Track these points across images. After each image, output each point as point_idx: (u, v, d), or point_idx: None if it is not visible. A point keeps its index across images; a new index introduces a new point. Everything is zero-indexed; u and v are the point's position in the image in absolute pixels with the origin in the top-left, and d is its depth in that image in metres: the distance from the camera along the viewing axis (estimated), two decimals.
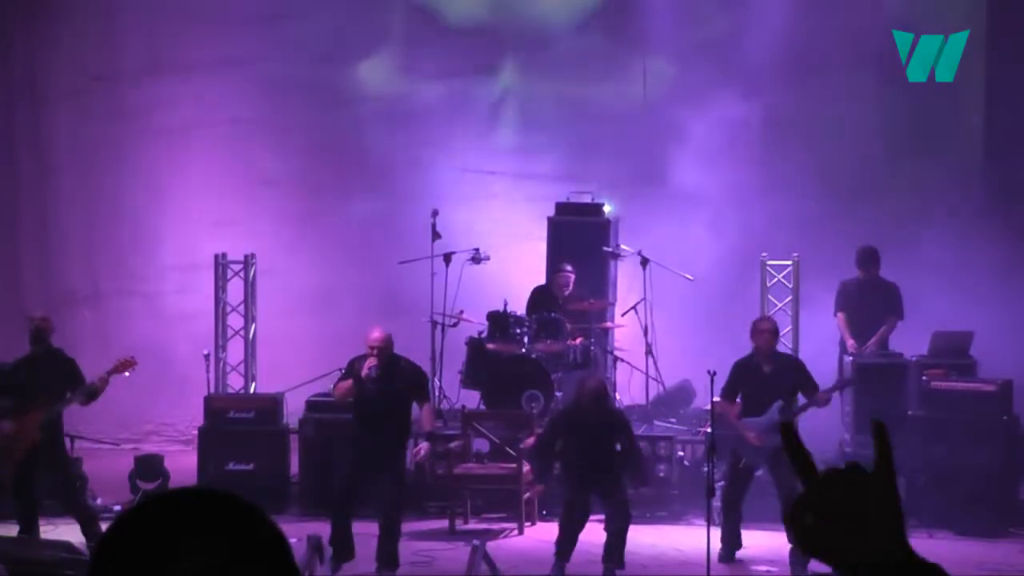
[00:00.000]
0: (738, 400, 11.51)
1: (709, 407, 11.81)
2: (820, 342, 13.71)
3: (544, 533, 12.06)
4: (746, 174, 15.46)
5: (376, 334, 10.64)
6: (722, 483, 11.37)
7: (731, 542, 11.33)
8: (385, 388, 10.51)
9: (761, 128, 15.52)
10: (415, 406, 10.87)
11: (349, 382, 10.66)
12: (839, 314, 13.79)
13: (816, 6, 15.70)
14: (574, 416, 10.98)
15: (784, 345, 12.73)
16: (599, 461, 10.82)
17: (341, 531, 10.44)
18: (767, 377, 11.34)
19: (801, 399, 11.40)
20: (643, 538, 12.03)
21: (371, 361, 10.51)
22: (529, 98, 16.43)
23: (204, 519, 1.71)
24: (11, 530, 10.99)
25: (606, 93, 16.14)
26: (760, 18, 15.63)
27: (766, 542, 11.72)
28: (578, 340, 13.69)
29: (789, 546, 11.26)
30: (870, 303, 13.75)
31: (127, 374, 11.11)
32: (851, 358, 13.44)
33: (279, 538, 1.75)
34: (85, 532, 10.85)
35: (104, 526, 10.76)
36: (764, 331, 11.42)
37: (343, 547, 10.43)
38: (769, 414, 11.23)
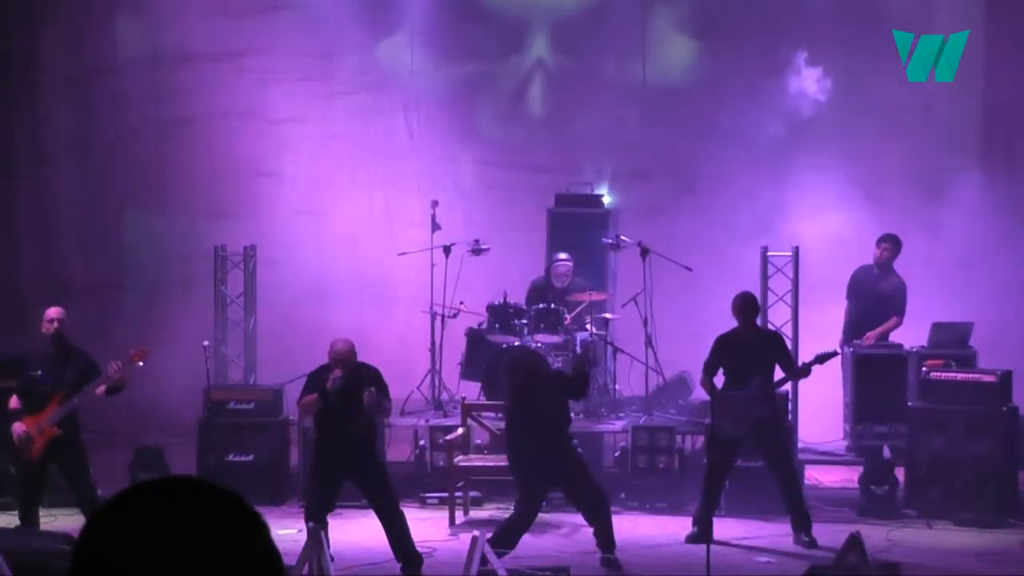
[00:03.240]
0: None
1: (709, 398, 11.87)
2: (821, 333, 13.71)
3: (544, 524, 12.08)
4: (747, 163, 15.44)
5: (341, 346, 10.48)
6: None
7: (704, 522, 11.32)
8: (350, 397, 10.36)
9: (765, 117, 15.50)
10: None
11: (315, 396, 10.48)
12: (849, 303, 13.96)
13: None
14: (518, 402, 10.75)
15: (785, 336, 12.74)
16: (552, 442, 10.61)
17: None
18: (747, 351, 11.56)
19: (780, 373, 11.69)
20: (643, 528, 12.06)
21: (336, 373, 10.38)
22: (531, 89, 16.44)
23: (182, 509, 1.71)
24: (11, 520, 10.99)
25: (606, 80, 16.17)
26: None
27: (765, 532, 11.74)
28: (579, 325, 13.72)
29: (791, 519, 11.37)
30: (876, 295, 13.78)
31: (141, 364, 11.09)
32: (851, 350, 13.45)
33: (259, 523, 1.75)
34: None
35: None
36: (741, 308, 11.65)
37: None
38: (750, 387, 11.45)
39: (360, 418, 10.38)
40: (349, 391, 10.32)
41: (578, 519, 11.28)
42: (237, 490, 1.79)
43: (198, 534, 1.68)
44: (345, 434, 10.40)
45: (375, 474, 10.47)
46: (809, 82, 15.47)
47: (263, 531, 1.75)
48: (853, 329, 13.85)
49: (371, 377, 10.48)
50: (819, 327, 13.72)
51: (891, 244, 13.91)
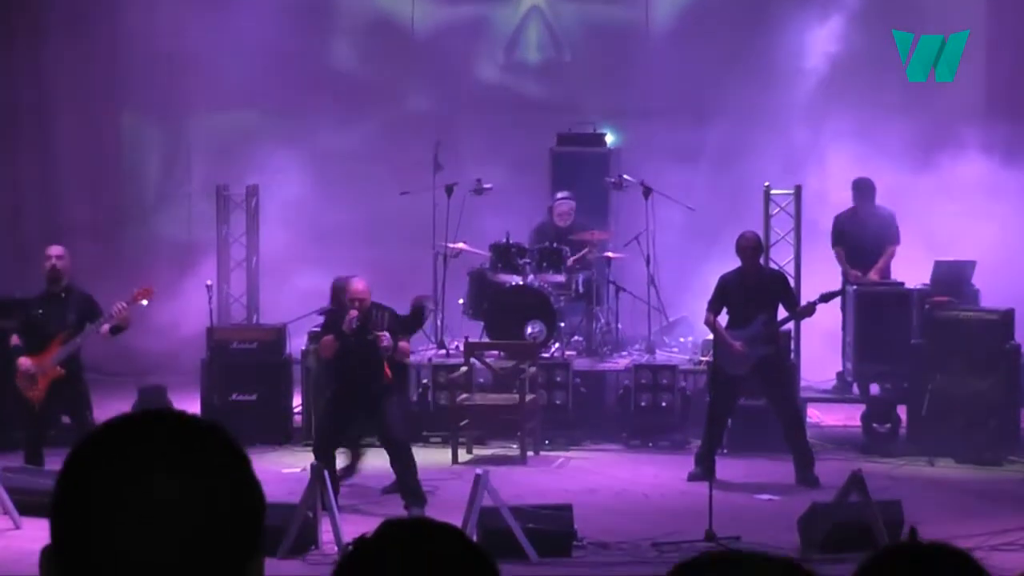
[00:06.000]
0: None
1: (711, 337, 11.89)
2: (824, 272, 13.71)
3: (546, 463, 12.12)
4: (749, 102, 15.37)
5: (359, 286, 10.50)
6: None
7: (707, 461, 11.35)
8: (368, 338, 10.37)
9: (767, 55, 15.42)
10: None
11: (331, 337, 10.53)
12: (836, 248, 13.78)
13: None
14: None
15: (788, 274, 12.74)
16: None
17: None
18: (750, 290, 11.60)
19: (784, 312, 11.71)
20: (645, 467, 12.10)
21: (352, 314, 10.38)
22: (531, 25, 16.38)
23: (160, 443, 1.70)
24: (16, 460, 11.03)
25: (609, 18, 16.11)
26: None
27: (767, 471, 11.77)
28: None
29: (793, 458, 11.41)
30: (866, 233, 13.71)
31: (145, 303, 11.11)
32: (854, 288, 13.42)
33: (237, 453, 1.74)
34: None
35: None
36: (745, 247, 11.66)
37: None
38: (753, 326, 11.49)
39: (378, 358, 10.38)
40: (365, 330, 10.35)
41: (581, 460, 11.33)
42: (215, 422, 1.79)
43: (176, 467, 1.68)
44: (363, 372, 10.43)
45: (389, 410, 10.48)
46: (824, 27, 15.41)
47: (241, 462, 1.75)
48: (854, 265, 13.71)
49: (386, 317, 10.53)
50: (822, 266, 13.70)
51: (868, 188, 13.79)
